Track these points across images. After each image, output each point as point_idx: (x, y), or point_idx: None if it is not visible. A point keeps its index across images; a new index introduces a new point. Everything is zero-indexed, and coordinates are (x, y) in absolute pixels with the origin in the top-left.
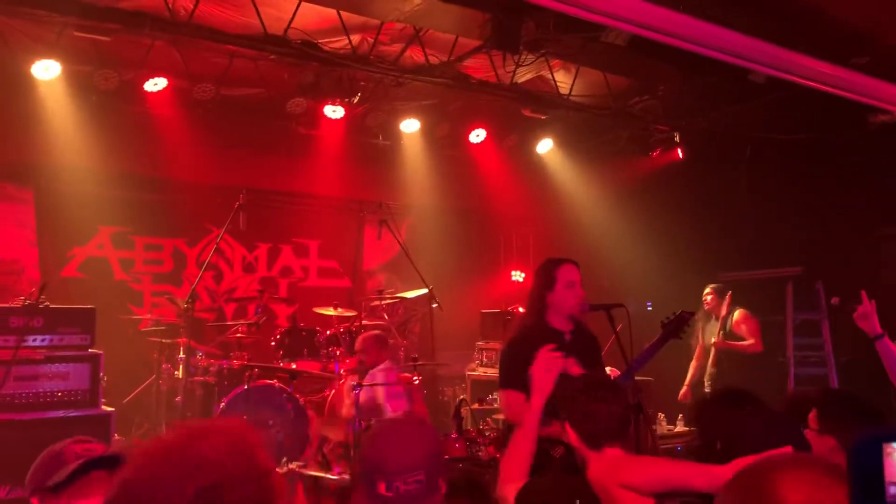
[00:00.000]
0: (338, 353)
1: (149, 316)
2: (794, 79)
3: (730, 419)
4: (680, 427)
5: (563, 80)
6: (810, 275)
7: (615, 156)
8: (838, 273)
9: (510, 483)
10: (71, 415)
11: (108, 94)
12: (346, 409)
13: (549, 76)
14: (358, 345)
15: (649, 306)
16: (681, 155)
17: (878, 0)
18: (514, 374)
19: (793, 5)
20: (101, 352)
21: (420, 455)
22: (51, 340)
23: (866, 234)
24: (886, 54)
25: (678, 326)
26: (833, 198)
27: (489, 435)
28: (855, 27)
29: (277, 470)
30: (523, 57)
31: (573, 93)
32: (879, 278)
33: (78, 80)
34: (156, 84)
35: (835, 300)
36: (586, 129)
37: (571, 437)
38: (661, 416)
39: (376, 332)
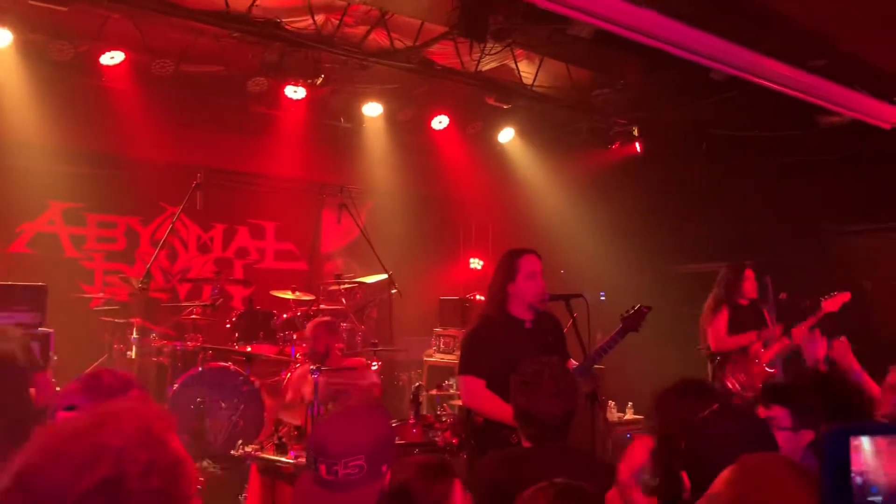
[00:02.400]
0: (294, 336)
1: (101, 295)
2: (754, 79)
3: (692, 415)
4: (629, 415)
5: (526, 71)
6: (760, 269)
7: (575, 147)
8: (787, 268)
9: None
10: None
11: (62, 66)
12: (295, 395)
13: (514, 66)
14: (308, 332)
15: (602, 297)
16: (639, 149)
17: (837, 7)
18: (474, 361)
19: (755, 7)
20: (51, 330)
21: (362, 440)
22: None
23: (814, 230)
24: (842, 59)
25: (636, 320)
26: (784, 195)
27: (446, 420)
28: (814, 32)
29: (192, 460)
30: (489, 46)
31: (536, 83)
32: (826, 273)
33: (31, 51)
34: (112, 58)
35: (783, 295)
36: (548, 119)
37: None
38: (611, 403)
39: (326, 318)
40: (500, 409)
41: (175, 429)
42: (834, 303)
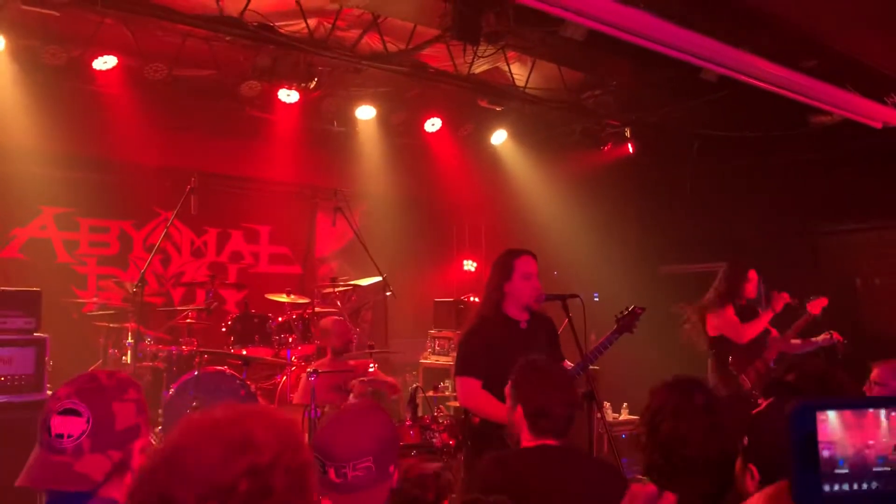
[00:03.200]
0: (290, 339)
1: (94, 299)
2: (746, 79)
3: (680, 407)
4: (625, 415)
5: (518, 73)
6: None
7: (568, 149)
8: (778, 267)
9: None
10: (15, 400)
11: (55, 71)
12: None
13: (506, 68)
14: (334, 327)
15: (596, 297)
16: (631, 150)
17: (827, 7)
18: (471, 362)
19: (746, 7)
20: (46, 336)
21: (369, 442)
22: None
23: (805, 229)
24: (833, 59)
25: (631, 321)
26: (775, 194)
27: (443, 422)
28: (804, 32)
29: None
30: (482, 48)
31: (528, 85)
32: (817, 273)
33: (23, 56)
34: (105, 62)
35: (794, 300)
36: (540, 121)
37: (518, 419)
38: (606, 404)
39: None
40: (496, 410)
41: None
42: (815, 306)
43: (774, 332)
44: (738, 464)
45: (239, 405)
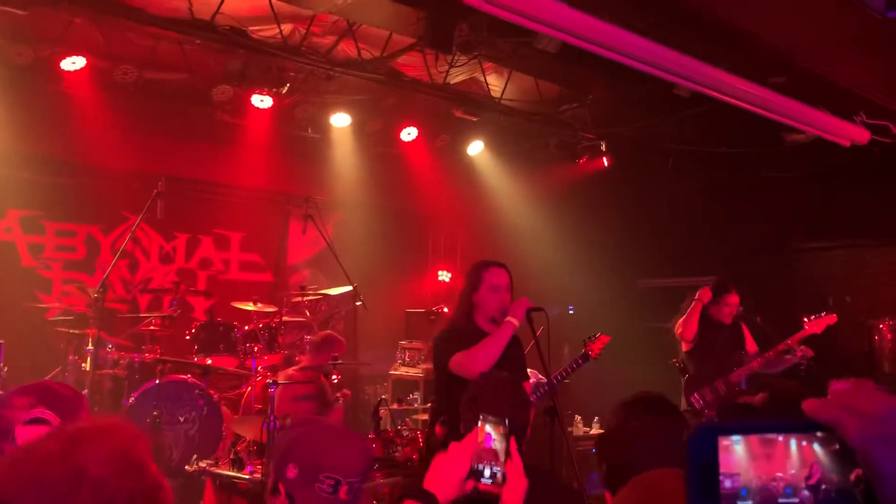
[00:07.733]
0: (256, 349)
1: (57, 304)
2: (716, 94)
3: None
4: (596, 429)
5: (495, 84)
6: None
7: (543, 161)
8: (753, 284)
9: None
10: None
11: (21, 71)
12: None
13: (482, 79)
14: (341, 347)
15: (571, 310)
16: (606, 163)
17: (798, 25)
18: (453, 349)
19: (716, 23)
20: (1, 341)
21: (369, 459)
22: None
23: (780, 247)
24: (803, 77)
25: (597, 348)
26: (749, 211)
27: (407, 435)
28: (775, 48)
29: (169, 483)
30: (456, 58)
31: (505, 97)
32: (792, 290)
33: None
34: (74, 63)
35: (758, 318)
36: (516, 133)
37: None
38: (577, 418)
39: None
40: (491, 340)
41: (151, 449)
42: (818, 324)
43: (753, 348)
44: None
45: (69, 429)
